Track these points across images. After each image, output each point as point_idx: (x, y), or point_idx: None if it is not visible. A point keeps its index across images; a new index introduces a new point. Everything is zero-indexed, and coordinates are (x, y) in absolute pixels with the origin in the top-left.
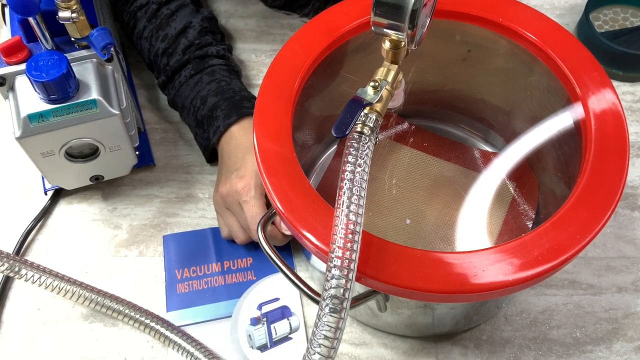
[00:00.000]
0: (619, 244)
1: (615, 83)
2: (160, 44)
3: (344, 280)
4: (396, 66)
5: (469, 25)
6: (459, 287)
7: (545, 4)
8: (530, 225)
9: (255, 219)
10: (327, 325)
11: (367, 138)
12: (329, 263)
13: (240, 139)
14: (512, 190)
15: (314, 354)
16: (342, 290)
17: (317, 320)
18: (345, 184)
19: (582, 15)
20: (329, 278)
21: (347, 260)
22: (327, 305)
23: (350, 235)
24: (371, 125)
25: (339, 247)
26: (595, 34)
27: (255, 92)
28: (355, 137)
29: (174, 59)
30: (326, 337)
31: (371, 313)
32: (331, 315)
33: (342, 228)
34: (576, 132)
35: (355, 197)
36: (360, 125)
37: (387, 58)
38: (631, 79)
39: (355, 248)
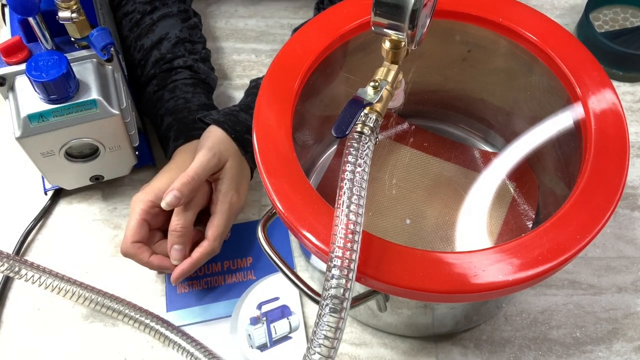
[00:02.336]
0: (619, 244)
1: (615, 83)
2: (136, 54)
3: (344, 280)
4: (396, 66)
5: (469, 25)
6: (459, 287)
7: (545, 4)
8: (530, 225)
9: (126, 239)
10: (328, 325)
11: (367, 138)
12: (329, 263)
13: (174, 158)
14: (512, 190)
15: (314, 353)
16: (342, 290)
17: (318, 320)
18: (345, 184)
19: (582, 15)
20: (329, 278)
21: (347, 260)
22: (327, 305)
23: (350, 235)
24: (371, 125)
25: (339, 247)
26: (595, 34)
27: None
28: (355, 137)
29: (145, 71)
30: (326, 337)
31: (371, 313)
32: (331, 315)
33: (342, 228)
34: (576, 132)
35: (355, 197)
36: (360, 125)
37: (387, 58)
38: (631, 79)
39: (355, 248)
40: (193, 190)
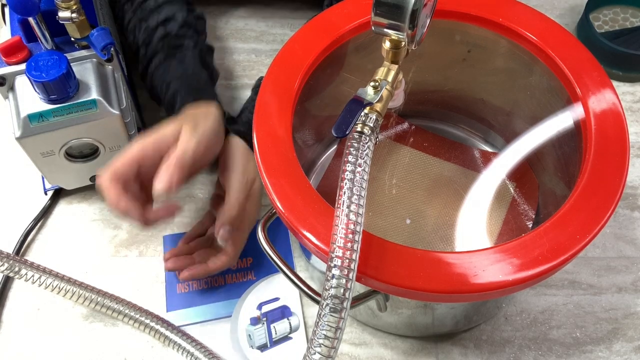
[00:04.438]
0: (619, 244)
1: (615, 83)
2: (140, 35)
3: (344, 280)
4: (396, 66)
5: (469, 25)
6: (459, 287)
7: (545, 4)
8: (530, 225)
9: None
10: (328, 325)
11: (367, 138)
12: (330, 263)
13: (184, 112)
14: (512, 190)
15: (315, 353)
16: (342, 290)
17: (318, 320)
18: (346, 184)
19: (582, 15)
20: (329, 278)
21: (347, 260)
22: (327, 305)
23: (350, 235)
24: (371, 125)
25: (339, 247)
26: (595, 34)
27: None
28: (356, 137)
29: (149, 48)
30: (326, 337)
31: (371, 313)
32: (331, 315)
33: (342, 228)
34: (576, 132)
35: (355, 197)
36: (360, 125)
37: (387, 58)
38: (631, 79)
39: (355, 248)
40: (240, 218)
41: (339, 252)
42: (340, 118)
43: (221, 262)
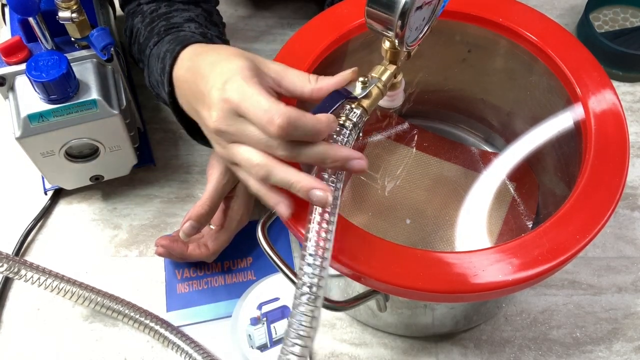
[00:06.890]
0: (619, 244)
1: (615, 83)
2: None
3: (318, 270)
4: (394, 66)
5: (469, 25)
6: (459, 287)
7: (545, 4)
8: (530, 225)
9: (268, 109)
10: (304, 314)
11: (348, 132)
12: (303, 252)
13: (195, 60)
14: (512, 190)
15: (293, 345)
16: (316, 280)
17: (293, 310)
18: (323, 175)
19: (582, 16)
20: (303, 268)
21: (321, 250)
22: (303, 294)
23: (325, 225)
24: (354, 120)
25: (315, 239)
26: (595, 34)
27: None
28: (337, 129)
29: (152, 40)
30: (304, 327)
31: (371, 313)
32: (307, 305)
33: (316, 222)
34: (576, 133)
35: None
36: (343, 118)
37: (386, 57)
38: (631, 79)
39: (329, 237)
40: (210, 216)
41: (313, 244)
42: (318, 106)
43: (200, 252)
